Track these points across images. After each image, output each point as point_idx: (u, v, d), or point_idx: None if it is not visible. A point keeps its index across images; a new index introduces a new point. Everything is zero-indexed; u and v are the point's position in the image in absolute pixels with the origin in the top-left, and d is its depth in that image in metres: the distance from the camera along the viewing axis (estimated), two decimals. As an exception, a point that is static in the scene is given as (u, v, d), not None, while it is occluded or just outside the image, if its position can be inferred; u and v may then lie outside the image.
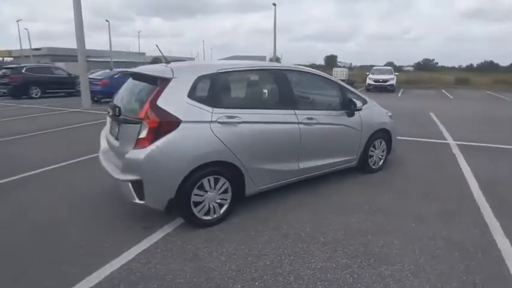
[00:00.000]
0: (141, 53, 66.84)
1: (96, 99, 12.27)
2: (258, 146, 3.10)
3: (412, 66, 65.71)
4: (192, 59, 53.76)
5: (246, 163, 3.03)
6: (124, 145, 2.84)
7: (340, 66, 30.87)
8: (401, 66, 60.96)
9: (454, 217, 3.20)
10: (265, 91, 3.47)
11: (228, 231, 2.90)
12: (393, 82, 20.72)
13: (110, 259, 2.47)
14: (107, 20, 42.68)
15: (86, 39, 11.01)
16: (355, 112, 3.92)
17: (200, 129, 2.78)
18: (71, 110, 10.82)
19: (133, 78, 3.34)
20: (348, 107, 3.85)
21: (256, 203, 3.38)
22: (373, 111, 4.25)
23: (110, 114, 3.14)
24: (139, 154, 2.62)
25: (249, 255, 2.54)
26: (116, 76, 13.11)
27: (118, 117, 2.96)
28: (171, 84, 2.76)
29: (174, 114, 2.68)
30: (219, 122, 2.87)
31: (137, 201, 2.72)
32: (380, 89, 20.49)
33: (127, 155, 2.68)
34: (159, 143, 2.62)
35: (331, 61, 63.72)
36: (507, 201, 3.54)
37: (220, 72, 3.04)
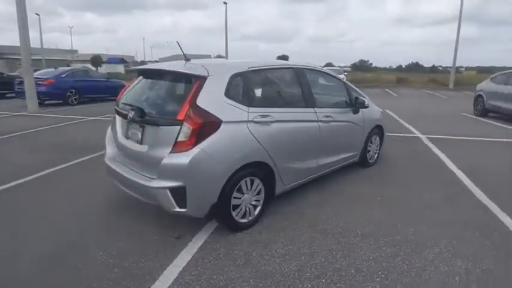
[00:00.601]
0: (73, 50, 61.58)
1: (39, 101, 11.01)
2: (287, 144, 3.13)
3: (349, 66, 70.68)
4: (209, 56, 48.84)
5: (278, 162, 3.03)
6: (154, 149, 2.64)
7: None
8: (340, 67, 65.76)
9: (457, 202, 3.57)
10: (291, 89, 3.51)
11: (266, 232, 2.88)
12: (343, 82, 22.16)
13: (156, 275, 2.29)
14: (37, 14, 38.24)
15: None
16: (359, 109, 4.15)
17: (239, 130, 2.72)
18: (15, 114, 9.59)
19: (149, 77, 3.13)
20: (355, 104, 4.06)
21: (276, 203, 3.38)
22: (371, 109, 4.53)
23: (128, 116, 2.87)
24: (182, 158, 2.47)
25: (301, 254, 2.56)
26: (63, 75, 11.97)
27: (142, 119, 2.75)
28: (207, 82, 2.64)
29: (214, 114, 2.58)
30: (255, 122, 2.84)
31: (177, 209, 2.56)
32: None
33: (165, 160, 2.51)
34: (203, 145, 2.50)
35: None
36: (493, 184, 4.06)
37: (251, 70, 3.00)
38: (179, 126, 2.51)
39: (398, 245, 2.70)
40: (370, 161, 4.71)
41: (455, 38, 24.53)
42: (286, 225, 3.01)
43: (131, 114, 2.81)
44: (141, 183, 2.67)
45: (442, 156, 5.32)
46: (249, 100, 2.89)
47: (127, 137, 3.01)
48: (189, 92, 2.61)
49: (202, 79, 2.65)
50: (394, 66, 78.52)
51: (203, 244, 2.69)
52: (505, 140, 6.77)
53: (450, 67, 27.00)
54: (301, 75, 3.49)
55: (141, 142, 2.81)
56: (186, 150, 2.49)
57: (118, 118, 3.15)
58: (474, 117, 10.16)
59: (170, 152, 2.53)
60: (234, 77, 2.83)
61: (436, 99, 17.58)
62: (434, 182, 4.18)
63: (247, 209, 2.88)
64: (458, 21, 24.07)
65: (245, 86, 2.91)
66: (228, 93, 2.75)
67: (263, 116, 2.92)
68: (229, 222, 2.79)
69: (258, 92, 3.11)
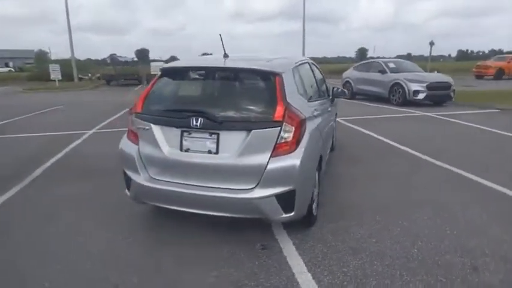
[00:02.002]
0: None
1: None
2: (323, 135, 3.37)
3: None
4: None
5: (323, 154, 3.26)
6: (246, 157, 2.42)
7: (158, 61, 30.31)
8: None
9: (441, 180, 4.17)
10: (313, 82, 3.70)
11: (336, 225, 3.02)
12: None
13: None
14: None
15: None
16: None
17: (312, 125, 2.79)
18: None
19: (197, 76, 2.81)
20: (333, 94, 4.60)
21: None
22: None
23: (192, 123, 2.47)
24: (290, 161, 2.39)
25: (398, 241, 2.75)
26: None
27: (217, 125, 2.45)
28: (285, 79, 2.59)
29: (301, 111, 2.58)
30: (314, 116, 2.96)
31: (283, 216, 2.47)
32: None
33: (271, 166, 2.37)
34: (303, 144, 2.48)
35: (144, 56, 63.22)
36: (444, 155, 5.08)
37: (297, 65, 3.08)
38: (278, 128, 2.40)
39: (456, 226, 3.38)
40: (333, 146, 5.43)
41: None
42: (343, 216, 3.17)
43: (196, 121, 2.45)
44: (233, 197, 2.42)
45: (373, 134, 6.61)
46: (306, 95, 2.98)
47: (184, 150, 2.57)
48: (275, 89, 2.51)
49: (280, 76, 2.59)
50: None
51: (297, 247, 2.68)
52: (392, 115, 8.90)
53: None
54: (313, 68, 3.77)
55: (216, 152, 2.49)
56: (290, 152, 2.42)
57: (158, 129, 2.63)
58: (346, 100, 12.66)
59: (271, 157, 2.40)
60: (294, 72, 2.86)
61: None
62: (399, 160, 5.06)
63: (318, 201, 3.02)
64: (303, 17, 28.54)
65: (300, 82, 2.98)
66: (298, 90, 2.77)
67: (315, 110, 3.07)
68: (310, 218, 2.86)
69: (306, 87, 3.21)
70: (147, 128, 2.66)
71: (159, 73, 2.89)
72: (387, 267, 2.41)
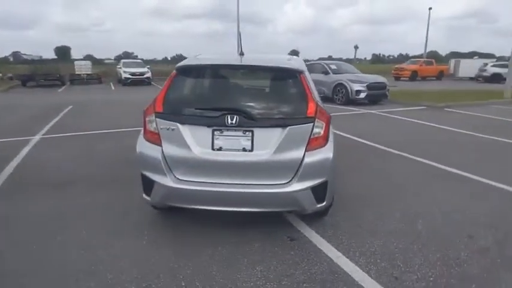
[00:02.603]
0: None
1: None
2: None
3: (113, 59, 68.32)
4: None
5: None
6: (282, 152, 2.55)
7: (82, 60, 27.68)
8: (102, 60, 63.61)
9: (394, 161, 5.28)
10: None
11: (342, 212, 3.36)
12: (149, 75, 21.88)
13: (348, 274, 2.42)
14: None
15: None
16: None
17: None
18: None
19: (219, 74, 2.81)
20: None
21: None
22: None
23: (227, 121, 2.50)
24: (324, 154, 2.60)
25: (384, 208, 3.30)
26: None
27: (252, 123, 2.53)
28: (307, 76, 2.78)
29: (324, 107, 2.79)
30: None
31: (316, 206, 2.66)
32: (137, 82, 21.10)
33: (308, 159, 2.55)
34: (331, 138, 2.69)
35: (66, 53, 57.79)
36: (395, 145, 6.08)
37: (306, 65, 3.30)
38: (311, 124, 2.58)
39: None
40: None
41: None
42: (362, 205, 3.56)
43: (232, 119, 2.50)
44: (272, 192, 2.53)
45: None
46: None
47: (216, 149, 2.58)
48: (303, 87, 2.68)
49: (304, 74, 2.77)
50: (160, 58, 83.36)
51: (321, 235, 2.89)
52: (341, 113, 9.69)
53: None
54: None
55: (251, 149, 2.56)
56: (322, 146, 2.62)
57: (186, 128, 2.59)
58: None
59: (306, 151, 2.56)
60: (308, 71, 3.07)
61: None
62: (350, 146, 5.81)
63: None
64: (237, 18, 28.95)
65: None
66: (314, 87, 2.98)
67: None
68: (329, 208, 3.09)
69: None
70: (173, 128, 2.60)
71: (175, 72, 2.82)
72: (405, 243, 2.77)
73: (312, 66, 13.47)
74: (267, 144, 2.57)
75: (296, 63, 2.90)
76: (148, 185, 2.71)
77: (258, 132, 2.56)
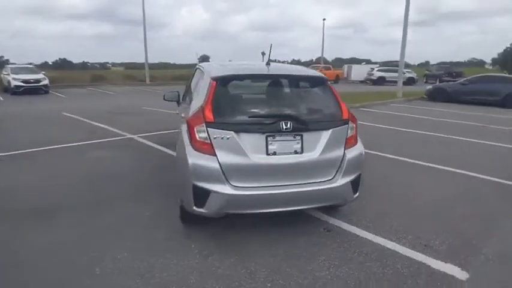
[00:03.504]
0: None
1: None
2: None
3: None
4: None
5: None
6: (327, 152, 2.88)
7: None
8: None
9: None
10: None
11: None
12: (47, 82, 19.14)
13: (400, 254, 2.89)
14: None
15: None
16: None
17: None
18: None
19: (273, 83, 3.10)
20: None
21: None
22: None
23: (281, 127, 2.70)
24: (358, 150, 3.01)
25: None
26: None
27: (303, 128, 2.80)
28: (328, 83, 3.17)
29: None
30: None
31: (353, 197, 3.06)
32: (31, 91, 18.14)
33: (349, 156, 2.92)
34: (359, 137, 3.13)
35: None
36: None
37: None
38: (346, 125, 2.97)
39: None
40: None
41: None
42: None
43: (286, 125, 2.72)
44: (320, 189, 2.83)
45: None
46: None
47: (270, 153, 2.75)
48: (332, 93, 3.06)
49: (327, 81, 3.15)
50: (38, 63, 73.51)
51: (350, 223, 3.31)
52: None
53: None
54: None
55: (301, 151, 2.82)
56: (355, 144, 3.04)
57: (241, 136, 2.69)
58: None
59: (345, 149, 2.95)
60: None
61: (152, 94, 19.97)
62: None
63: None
64: (143, 21, 27.61)
65: None
66: None
67: None
68: None
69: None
70: (229, 136, 2.67)
71: (215, 82, 2.87)
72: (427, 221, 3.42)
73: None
74: (315, 145, 2.87)
75: (318, 71, 3.27)
76: (202, 196, 2.70)
77: (307, 135, 2.84)
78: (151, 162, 5.35)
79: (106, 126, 8.16)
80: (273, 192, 2.75)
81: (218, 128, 2.69)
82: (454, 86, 15.15)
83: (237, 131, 2.70)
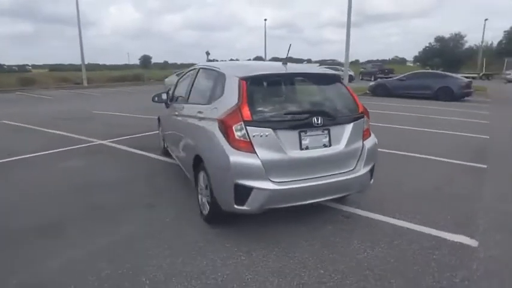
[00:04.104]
0: None
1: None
2: None
3: None
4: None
5: None
6: (351, 144, 3.11)
7: None
8: None
9: None
10: None
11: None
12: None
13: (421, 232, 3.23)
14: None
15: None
16: None
17: None
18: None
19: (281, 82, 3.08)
20: None
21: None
22: None
23: (314, 122, 2.87)
24: (373, 141, 3.30)
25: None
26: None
27: (332, 122, 3.02)
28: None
29: None
30: None
31: (369, 184, 3.35)
32: None
33: (367, 146, 3.19)
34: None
35: None
36: None
37: None
38: (362, 119, 3.24)
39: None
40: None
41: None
42: None
43: (317, 120, 2.91)
44: (349, 178, 3.06)
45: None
46: None
47: (304, 148, 2.90)
48: (347, 88, 3.31)
49: (341, 78, 3.40)
50: None
51: (362, 208, 3.62)
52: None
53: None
54: None
55: (329, 144, 3.02)
56: (369, 136, 3.33)
57: (278, 133, 2.82)
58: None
59: (363, 141, 3.22)
60: None
61: (95, 98, 18.81)
62: None
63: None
64: (77, 17, 25.58)
65: None
66: None
67: None
68: None
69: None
70: (267, 134, 2.77)
71: (244, 81, 2.93)
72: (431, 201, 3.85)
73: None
74: (340, 138, 3.09)
75: (329, 70, 3.51)
76: (243, 193, 2.75)
77: (333, 129, 3.05)
78: (140, 167, 5.13)
79: (66, 133, 7.53)
80: (307, 185, 2.90)
81: (257, 126, 2.77)
82: (393, 82, 16.74)
83: (274, 128, 2.81)
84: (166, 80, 14.08)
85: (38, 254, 2.77)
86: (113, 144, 6.53)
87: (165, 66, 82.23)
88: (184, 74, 4.83)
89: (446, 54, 48.96)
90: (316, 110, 3.06)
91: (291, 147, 2.88)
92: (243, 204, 2.80)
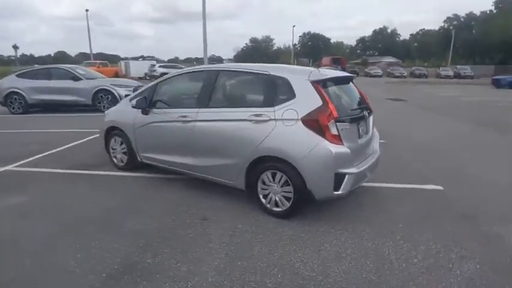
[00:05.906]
0: None
1: None
2: None
3: None
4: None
5: None
6: (373, 130, 3.99)
7: None
8: None
9: None
10: None
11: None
12: None
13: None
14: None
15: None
16: None
17: None
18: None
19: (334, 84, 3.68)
20: None
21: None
22: None
23: (365, 115, 3.60)
24: (375, 129, 4.28)
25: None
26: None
27: (370, 114, 3.83)
28: None
29: None
30: None
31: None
32: None
33: (376, 133, 4.18)
34: None
35: None
36: None
37: None
38: (372, 112, 4.16)
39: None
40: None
41: None
42: None
43: (367, 113, 3.68)
44: (377, 157, 3.93)
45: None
46: None
47: (361, 137, 3.57)
48: (357, 88, 4.14)
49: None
50: None
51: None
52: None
53: None
54: None
55: (368, 132, 3.80)
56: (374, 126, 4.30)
57: (352, 125, 3.42)
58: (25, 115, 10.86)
59: (373, 130, 4.16)
60: None
61: None
62: None
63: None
64: None
65: None
66: None
67: None
68: None
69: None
70: (347, 127, 3.33)
71: (318, 84, 3.33)
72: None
73: (44, 72, 11.46)
74: (369, 127, 3.91)
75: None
76: (339, 180, 3.17)
77: (368, 120, 3.86)
78: (121, 192, 4.35)
79: None
80: (367, 165, 3.61)
81: (342, 122, 3.27)
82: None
83: (350, 122, 3.40)
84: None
85: None
86: (26, 169, 5.04)
87: None
88: (167, 79, 4.43)
89: (260, 53, 57.45)
90: (363, 105, 3.82)
91: (356, 136, 3.53)
92: (338, 190, 3.23)
